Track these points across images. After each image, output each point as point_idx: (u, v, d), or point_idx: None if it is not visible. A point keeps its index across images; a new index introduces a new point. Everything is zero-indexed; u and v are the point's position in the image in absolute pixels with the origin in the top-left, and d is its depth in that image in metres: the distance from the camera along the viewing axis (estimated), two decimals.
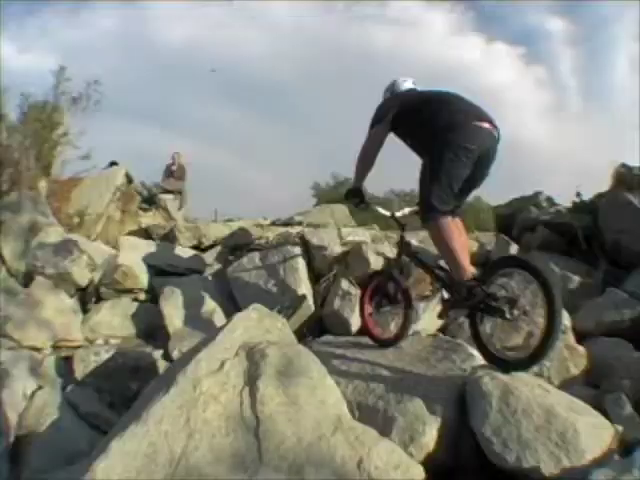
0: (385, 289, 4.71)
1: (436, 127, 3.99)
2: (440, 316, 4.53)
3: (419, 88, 4.70)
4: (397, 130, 4.40)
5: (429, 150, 4.06)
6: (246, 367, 3.28)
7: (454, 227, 4.01)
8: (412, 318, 4.48)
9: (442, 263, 4.30)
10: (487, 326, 3.94)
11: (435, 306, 5.26)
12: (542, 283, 3.49)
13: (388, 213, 4.68)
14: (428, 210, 3.96)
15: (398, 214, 4.70)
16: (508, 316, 3.71)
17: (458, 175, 3.93)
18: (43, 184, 8.29)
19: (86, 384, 4.97)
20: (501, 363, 3.71)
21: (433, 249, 4.49)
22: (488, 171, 4.19)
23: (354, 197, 4.49)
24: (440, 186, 3.90)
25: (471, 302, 3.83)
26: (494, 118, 4.09)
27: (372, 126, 4.37)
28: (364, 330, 4.83)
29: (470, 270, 3.87)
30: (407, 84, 4.72)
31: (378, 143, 4.37)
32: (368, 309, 4.80)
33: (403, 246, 4.65)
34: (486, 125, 3.98)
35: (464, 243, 4.25)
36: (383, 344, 4.52)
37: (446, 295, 4.27)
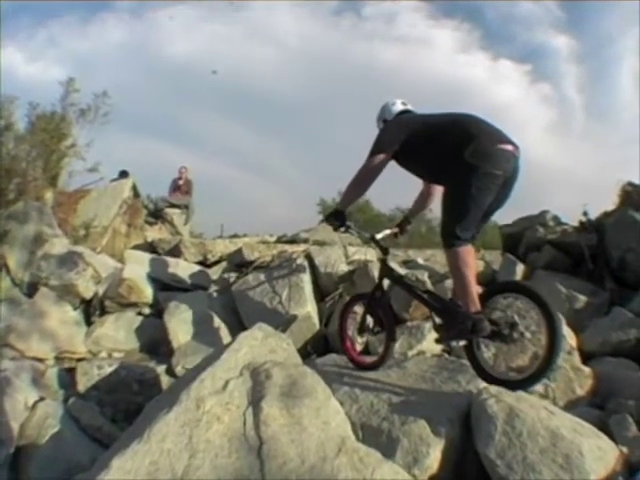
0: (369, 312, 4.69)
1: (459, 154, 3.83)
2: (437, 341, 4.38)
3: (410, 107, 4.65)
4: (400, 158, 4.30)
5: (453, 177, 3.94)
6: (250, 387, 3.27)
7: (473, 257, 3.99)
8: (391, 346, 4.44)
9: (430, 287, 4.24)
10: (483, 349, 3.99)
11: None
12: (542, 308, 3.62)
13: (368, 236, 4.68)
14: (451, 238, 3.90)
15: (379, 236, 4.68)
16: (508, 340, 3.82)
17: (484, 203, 3.89)
18: (49, 195, 8.31)
19: (88, 397, 4.97)
20: (500, 384, 3.75)
21: (439, 267, 4.46)
22: (511, 193, 4.10)
23: (335, 220, 4.38)
24: (467, 215, 3.86)
25: (475, 335, 3.82)
26: (512, 138, 3.99)
27: (373, 153, 4.22)
28: (342, 350, 4.80)
29: (477, 304, 3.83)
30: (397, 107, 4.63)
31: (377, 172, 4.25)
32: (347, 331, 4.79)
33: (385, 270, 4.63)
34: (509, 147, 3.89)
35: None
36: (360, 367, 4.49)
37: (438, 320, 4.20)
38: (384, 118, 4.64)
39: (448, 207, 3.99)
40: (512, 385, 3.71)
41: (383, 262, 4.64)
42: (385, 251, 4.64)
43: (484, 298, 3.92)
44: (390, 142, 4.21)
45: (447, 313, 4.05)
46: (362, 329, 4.75)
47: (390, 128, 4.42)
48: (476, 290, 3.90)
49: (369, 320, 4.71)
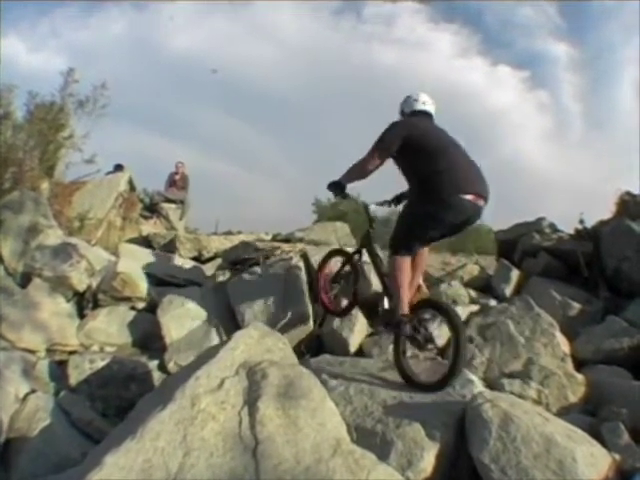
0: (341, 269, 5.58)
1: (429, 184, 4.33)
2: (371, 325, 5.13)
3: (429, 109, 4.89)
4: (396, 156, 4.63)
5: (414, 198, 4.58)
6: (246, 386, 3.26)
7: (408, 266, 4.51)
8: (355, 300, 5.32)
9: None
10: (408, 351, 4.39)
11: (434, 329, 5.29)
12: (449, 321, 4.06)
13: (362, 203, 5.30)
14: (394, 250, 4.49)
15: (372, 206, 5.20)
16: (422, 348, 4.34)
17: (427, 235, 4.54)
18: (45, 185, 8.25)
19: (79, 391, 4.93)
20: (413, 384, 4.09)
21: (432, 270, 4.62)
22: (465, 228, 4.60)
23: (336, 188, 4.68)
24: (411, 239, 4.50)
25: (397, 332, 4.32)
26: (486, 185, 4.45)
27: (374, 149, 4.57)
28: (317, 298, 5.70)
29: (406, 307, 4.30)
30: (416, 105, 4.87)
31: (378, 164, 4.58)
32: (322, 281, 5.66)
33: (367, 240, 5.16)
34: (471, 198, 4.27)
35: (413, 282, 4.73)
36: (329, 312, 5.64)
37: (387, 305, 4.64)
38: (402, 110, 4.98)
39: (399, 223, 4.61)
40: (421, 388, 4.03)
41: (367, 233, 5.16)
42: (372, 223, 5.21)
43: (415, 308, 4.40)
44: (390, 142, 4.53)
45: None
46: (335, 280, 5.68)
47: (396, 128, 4.66)
48: (407, 295, 4.41)
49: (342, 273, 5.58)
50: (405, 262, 4.46)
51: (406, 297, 4.37)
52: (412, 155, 4.49)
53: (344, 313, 5.52)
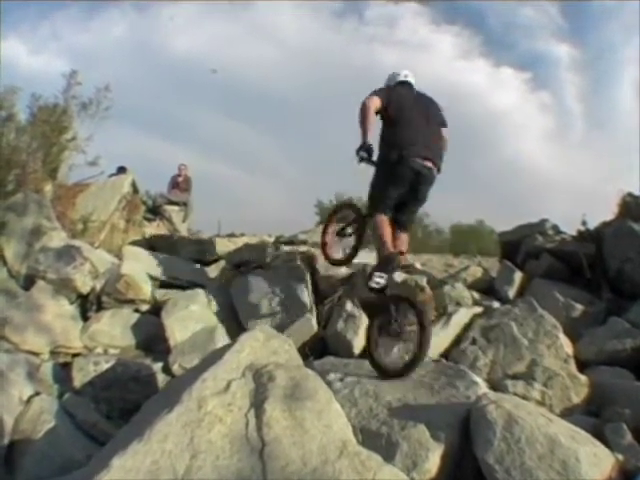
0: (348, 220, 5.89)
1: (391, 145, 5.06)
2: (349, 257, 5.64)
3: (411, 80, 5.56)
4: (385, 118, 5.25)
5: (380, 158, 5.16)
6: (253, 388, 3.27)
7: (386, 224, 5.00)
8: (355, 252, 5.60)
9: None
10: (380, 340, 4.69)
11: (439, 330, 5.31)
12: (417, 312, 4.45)
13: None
14: (371, 212, 5.17)
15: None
16: (392, 332, 4.63)
17: (395, 193, 5.06)
18: (48, 188, 8.28)
19: (84, 393, 4.94)
20: (378, 369, 4.45)
21: (436, 272, 4.68)
22: (424, 197, 5.22)
23: (364, 151, 5.10)
24: (381, 197, 5.10)
25: (391, 266, 4.84)
26: (437, 154, 5.13)
27: (370, 94, 5.19)
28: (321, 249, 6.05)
29: (390, 248, 4.85)
30: (399, 77, 5.55)
31: (370, 107, 5.08)
32: (328, 232, 5.97)
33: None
34: (422, 160, 4.94)
35: (397, 243, 5.16)
36: (330, 262, 5.90)
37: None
38: (387, 85, 5.54)
39: (370, 186, 5.25)
40: (385, 373, 4.37)
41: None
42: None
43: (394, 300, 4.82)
44: (380, 92, 5.24)
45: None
46: (341, 234, 5.93)
47: (384, 87, 5.44)
48: (390, 243, 4.90)
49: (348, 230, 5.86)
50: (383, 220, 5.01)
51: (389, 242, 4.91)
52: (386, 121, 5.20)
53: (342, 263, 5.89)
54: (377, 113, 5.17)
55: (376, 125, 5.21)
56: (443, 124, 5.40)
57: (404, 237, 5.32)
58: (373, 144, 5.14)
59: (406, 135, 5.03)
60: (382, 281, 4.84)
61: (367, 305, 5.68)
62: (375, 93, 5.18)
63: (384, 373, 4.36)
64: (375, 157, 5.14)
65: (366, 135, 5.06)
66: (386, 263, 4.81)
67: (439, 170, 5.11)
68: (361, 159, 5.12)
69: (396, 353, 4.64)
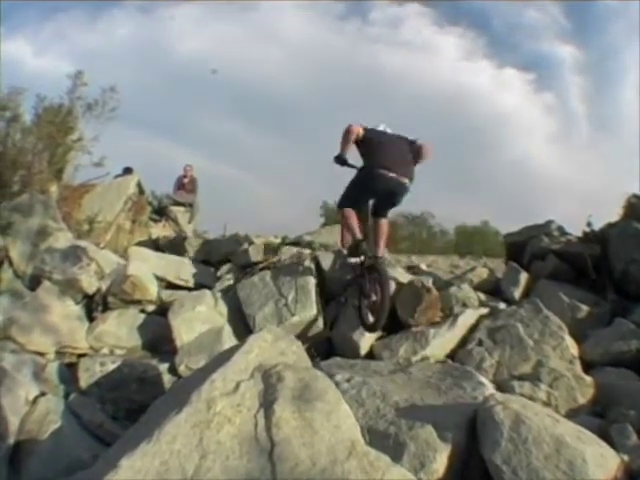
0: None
1: (367, 163, 6.27)
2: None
3: (387, 130, 6.64)
4: (358, 144, 6.36)
5: (358, 172, 6.37)
6: (262, 389, 3.26)
7: (352, 215, 6.33)
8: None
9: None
10: (363, 304, 5.87)
11: (445, 331, 5.33)
12: (379, 274, 5.74)
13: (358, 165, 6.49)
14: (340, 205, 6.50)
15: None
16: (368, 292, 5.86)
17: (364, 198, 6.45)
18: (54, 188, 8.29)
19: (90, 393, 4.94)
20: (365, 326, 5.71)
21: (441, 273, 4.77)
22: (395, 202, 6.41)
23: (339, 161, 6.35)
24: (352, 197, 6.41)
25: (361, 252, 6.06)
26: (407, 170, 6.17)
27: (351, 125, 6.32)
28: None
29: (359, 235, 6.19)
30: (379, 128, 6.61)
31: (355, 132, 6.24)
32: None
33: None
34: (393, 175, 6.00)
35: (377, 229, 6.46)
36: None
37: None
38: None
39: (346, 188, 6.45)
40: (369, 328, 5.67)
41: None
42: None
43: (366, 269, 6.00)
44: (363, 124, 6.37)
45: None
46: None
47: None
48: (357, 231, 6.22)
49: None
50: (350, 212, 6.34)
51: (357, 229, 6.23)
52: (364, 145, 6.30)
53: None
54: (355, 142, 6.34)
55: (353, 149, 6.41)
56: (413, 146, 6.51)
57: (383, 223, 6.52)
58: (347, 158, 6.39)
59: (379, 157, 6.15)
60: (355, 261, 6.10)
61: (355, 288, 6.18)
62: (359, 124, 6.36)
63: (369, 329, 5.66)
64: (348, 165, 6.41)
65: (343, 150, 6.33)
66: (356, 248, 6.11)
67: (411, 180, 6.19)
68: (339, 163, 6.38)
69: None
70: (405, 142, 6.49)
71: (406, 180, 6.12)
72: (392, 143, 6.39)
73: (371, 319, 5.64)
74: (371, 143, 6.28)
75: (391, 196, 6.31)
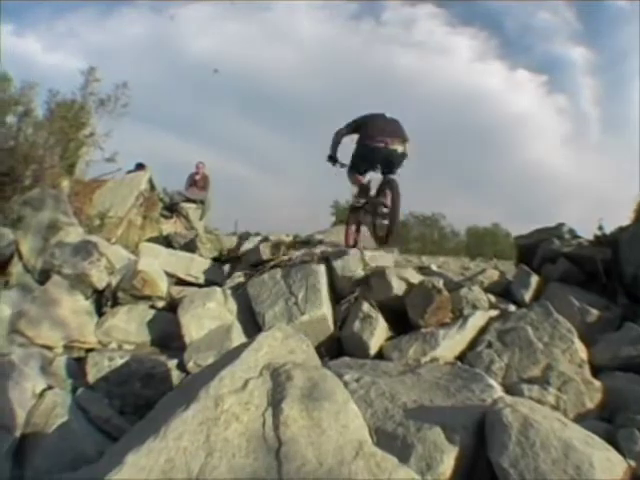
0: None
1: (362, 138, 7.66)
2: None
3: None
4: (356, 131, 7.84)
5: (356, 147, 7.78)
6: (270, 387, 3.26)
7: (357, 176, 8.00)
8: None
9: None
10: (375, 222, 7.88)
11: (455, 333, 5.31)
12: (390, 187, 7.35)
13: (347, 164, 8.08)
14: (349, 170, 8.04)
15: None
16: (375, 213, 7.77)
17: (364, 166, 7.93)
18: (66, 183, 8.33)
19: (97, 388, 4.95)
20: (375, 237, 7.82)
21: (452, 275, 4.91)
22: (393, 168, 7.68)
23: (330, 160, 7.95)
24: (355, 166, 7.94)
25: (363, 194, 8.13)
26: (399, 135, 7.60)
27: (345, 125, 7.95)
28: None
29: (364, 182, 8.05)
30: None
31: (339, 136, 7.95)
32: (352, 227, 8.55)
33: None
34: (382, 145, 7.42)
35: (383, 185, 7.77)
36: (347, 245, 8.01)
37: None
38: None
39: (350, 161, 7.93)
40: (380, 241, 7.58)
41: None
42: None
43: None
44: (348, 126, 7.93)
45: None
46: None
47: (352, 120, 8.00)
48: (362, 180, 8.05)
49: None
50: (356, 175, 7.97)
51: (364, 185, 8.02)
52: (360, 127, 7.74)
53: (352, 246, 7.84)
54: (353, 132, 7.86)
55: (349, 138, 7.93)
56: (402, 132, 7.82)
57: (390, 178, 7.59)
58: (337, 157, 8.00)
59: (371, 131, 7.54)
60: (363, 200, 8.01)
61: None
62: (345, 126, 7.86)
63: (380, 241, 7.48)
64: (338, 163, 8.04)
65: (333, 151, 7.93)
66: (362, 190, 8.03)
67: (405, 141, 7.60)
68: (331, 163, 7.97)
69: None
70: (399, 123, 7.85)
71: (397, 146, 7.50)
72: (385, 119, 7.78)
73: (383, 231, 7.46)
74: (364, 121, 7.74)
75: (385, 161, 7.65)
